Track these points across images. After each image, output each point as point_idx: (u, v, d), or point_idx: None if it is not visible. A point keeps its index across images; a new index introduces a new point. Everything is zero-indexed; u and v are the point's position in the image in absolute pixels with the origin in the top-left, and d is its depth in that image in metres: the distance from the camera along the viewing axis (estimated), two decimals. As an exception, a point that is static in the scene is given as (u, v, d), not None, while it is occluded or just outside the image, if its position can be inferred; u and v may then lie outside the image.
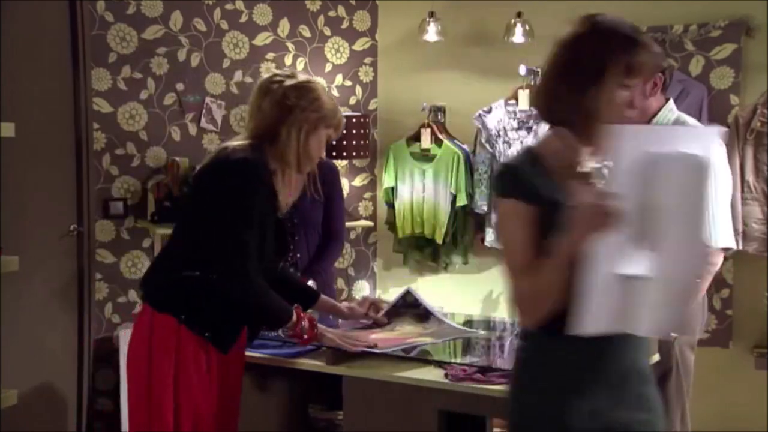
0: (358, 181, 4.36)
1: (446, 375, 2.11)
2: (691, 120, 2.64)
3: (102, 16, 3.70)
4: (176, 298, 2.17)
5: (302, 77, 2.26)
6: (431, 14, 3.97)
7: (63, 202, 3.60)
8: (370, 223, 4.31)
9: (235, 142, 2.21)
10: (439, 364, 2.18)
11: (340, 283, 4.37)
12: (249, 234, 2.10)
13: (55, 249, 3.58)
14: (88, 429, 3.64)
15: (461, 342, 2.45)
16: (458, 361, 2.21)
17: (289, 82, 2.21)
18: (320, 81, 2.33)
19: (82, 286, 3.64)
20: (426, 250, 4.16)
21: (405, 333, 2.43)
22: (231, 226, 2.10)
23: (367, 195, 4.39)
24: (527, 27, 3.84)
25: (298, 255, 2.95)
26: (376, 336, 2.40)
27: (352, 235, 4.38)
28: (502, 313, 4.22)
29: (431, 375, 2.13)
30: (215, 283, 2.11)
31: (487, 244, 4.01)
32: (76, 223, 3.62)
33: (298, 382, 2.49)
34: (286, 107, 2.18)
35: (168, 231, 3.58)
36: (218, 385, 2.24)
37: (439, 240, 4.04)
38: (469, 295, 4.22)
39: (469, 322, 2.77)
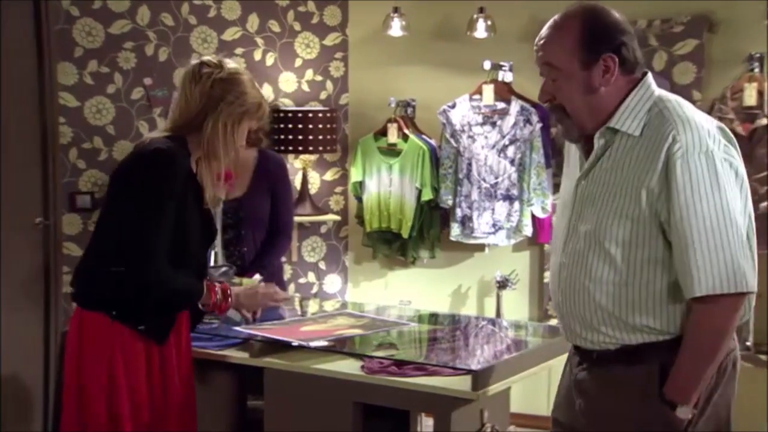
0: (329, 176, 4.38)
1: (362, 367, 2.13)
2: (677, 116, 1.74)
3: (67, 11, 3.75)
4: (105, 294, 2.16)
5: (230, 68, 2.25)
6: (395, 10, 3.99)
7: (29, 195, 3.65)
8: (337, 217, 4.33)
9: (155, 134, 2.22)
10: (358, 356, 2.20)
11: (311, 276, 4.39)
12: (157, 225, 2.10)
13: (21, 242, 3.63)
14: (54, 422, 3.68)
15: (392, 334, 2.47)
16: (378, 354, 2.22)
17: (217, 73, 2.21)
18: (246, 72, 2.32)
19: (49, 279, 3.69)
20: (394, 245, 4.17)
21: (335, 325, 2.46)
22: (138, 218, 2.10)
23: (339, 189, 4.41)
24: (489, 22, 3.84)
25: (245, 249, 2.99)
26: (306, 328, 2.42)
27: (323, 229, 4.40)
28: (471, 307, 4.24)
29: (348, 367, 2.15)
30: (123, 276, 2.11)
31: (452, 238, 4.02)
32: (43, 216, 3.67)
33: (237, 375, 2.52)
34: (213, 99, 2.19)
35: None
36: (163, 378, 2.23)
37: (405, 234, 4.05)
38: (439, 290, 4.23)
39: (434, 317, 2.81)
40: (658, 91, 1.78)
